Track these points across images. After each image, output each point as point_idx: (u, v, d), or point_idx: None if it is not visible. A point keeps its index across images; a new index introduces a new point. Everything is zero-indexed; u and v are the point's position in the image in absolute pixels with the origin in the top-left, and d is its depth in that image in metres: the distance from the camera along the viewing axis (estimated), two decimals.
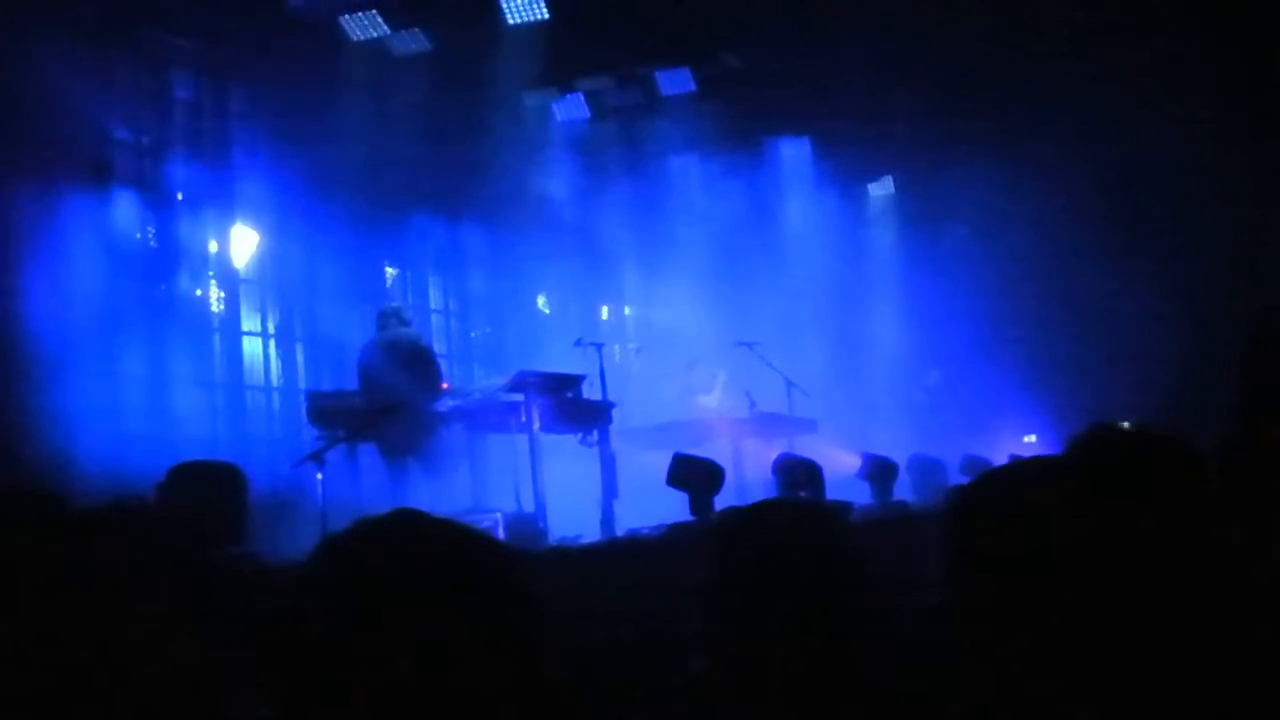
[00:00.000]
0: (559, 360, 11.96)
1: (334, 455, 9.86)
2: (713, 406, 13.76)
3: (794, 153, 17.49)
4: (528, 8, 14.16)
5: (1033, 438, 14.95)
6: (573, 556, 7.93)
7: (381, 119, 13.68)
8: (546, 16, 14.16)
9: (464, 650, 1.60)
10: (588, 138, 16.26)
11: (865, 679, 2.52)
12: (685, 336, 14.79)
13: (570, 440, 11.19)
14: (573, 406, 11.12)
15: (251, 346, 13.99)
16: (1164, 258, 14.83)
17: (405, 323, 11.45)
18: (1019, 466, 2.23)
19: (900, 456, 10.12)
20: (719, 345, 13.99)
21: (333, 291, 13.61)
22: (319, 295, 13.81)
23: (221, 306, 13.71)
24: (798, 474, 8.81)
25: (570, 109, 16.39)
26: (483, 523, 9.16)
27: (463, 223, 15.89)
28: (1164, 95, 13.76)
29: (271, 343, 14.20)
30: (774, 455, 9.75)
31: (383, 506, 1.82)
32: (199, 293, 13.44)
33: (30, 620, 2.39)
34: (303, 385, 13.84)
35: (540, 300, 17.95)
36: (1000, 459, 9.24)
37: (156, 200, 12.80)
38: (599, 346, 11.98)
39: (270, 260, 14.03)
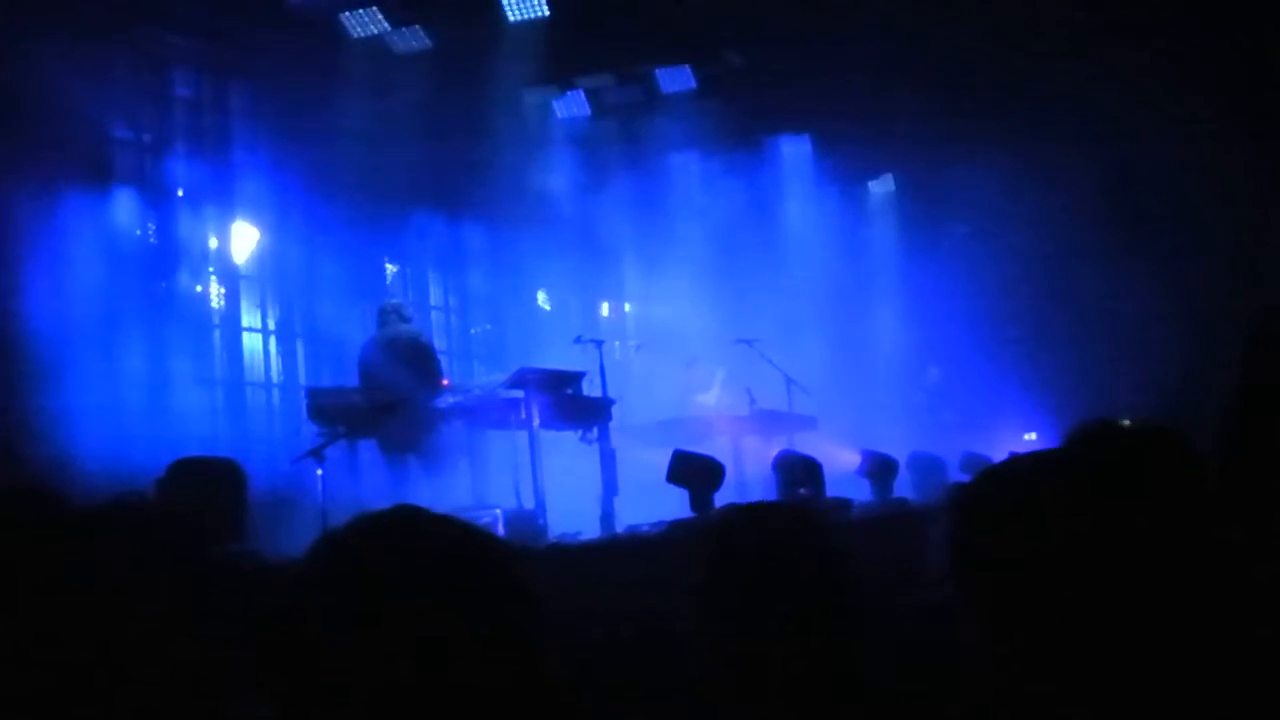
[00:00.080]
0: (559, 357, 11.96)
1: (334, 452, 9.87)
2: (713, 404, 13.77)
3: (794, 150, 17.49)
4: (528, 5, 14.17)
5: (1033, 435, 14.93)
6: (572, 553, 7.93)
7: (382, 116, 13.67)
8: (547, 13, 14.17)
9: (463, 647, 1.60)
10: (588, 135, 16.26)
11: (865, 679, 2.53)
12: (685, 333, 14.80)
13: (570, 437, 11.19)
14: (573, 403, 11.12)
15: (252, 343, 14.00)
16: (1164, 257, 14.82)
17: (405, 319, 11.44)
18: (1019, 463, 2.23)
19: (900, 454, 10.12)
20: (719, 342, 13.99)
21: (333, 288, 13.61)
22: (319, 292, 13.80)
23: (222, 303, 13.72)
24: (797, 471, 8.81)
25: (571, 106, 16.40)
26: (482, 519, 9.16)
27: (463, 220, 15.89)
28: (1164, 95, 13.75)
29: (272, 339, 14.21)
30: (774, 452, 9.75)
31: (383, 503, 1.82)
32: (199, 289, 13.45)
33: (30, 620, 2.39)
34: (303, 382, 13.86)
35: (540, 297, 17.94)
36: (1000, 456, 9.25)
37: (157, 197, 12.81)
38: (599, 343, 11.98)
39: (270, 257, 14.03)
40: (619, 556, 7.76)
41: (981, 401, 15.42)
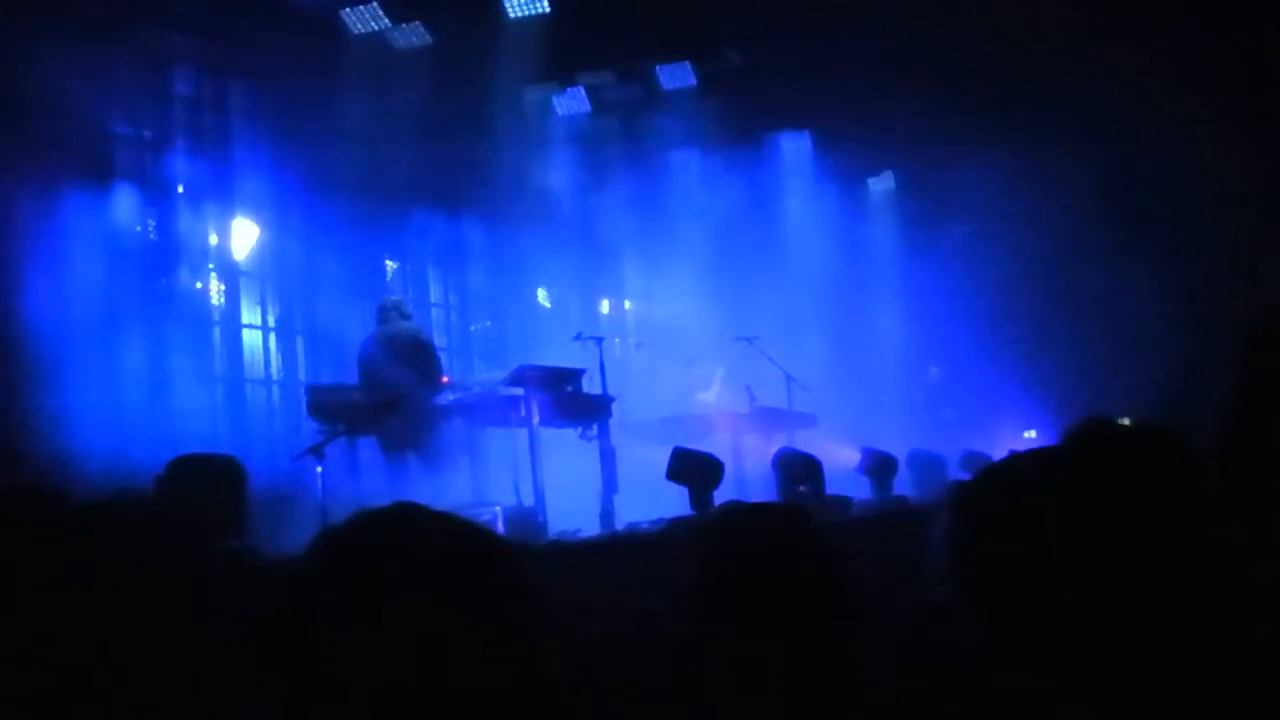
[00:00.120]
0: (559, 354, 11.94)
1: (334, 449, 9.86)
2: (712, 401, 13.76)
3: (794, 148, 17.51)
4: (529, 1, 14.17)
5: (1032, 433, 14.94)
6: (572, 551, 7.93)
7: (382, 113, 13.68)
8: (547, 10, 14.21)
9: (462, 645, 1.60)
10: (588, 132, 16.28)
11: (864, 678, 2.53)
12: (685, 331, 14.80)
13: (570, 434, 11.17)
14: (572, 401, 11.11)
15: (252, 340, 14.00)
16: (1164, 257, 14.83)
17: (405, 316, 11.43)
18: (1020, 462, 2.22)
19: (900, 452, 10.13)
20: (719, 340, 13.99)
21: (333, 285, 13.60)
22: (319, 289, 13.80)
23: (222, 300, 13.71)
24: (797, 469, 8.84)
25: (571, 103, 16.42)
26: (482, 517, 9.14)
27: (463, 217, 15.87)
28: (1164, 95, 13.75)
29: (272, 336, 14.21)
30: (774, 450, 9.77)
31: (382, 500, 1.82)
32: (199, 286, 13.45)
33: (30, 619, 2.39)
34: (303, 379, 13.86)
35: (540, 294, 17.93)
36: (1000, 455, 9.26)
37: (157, 194, 12.81)
38: (599, 341, 11.97)
39: (270, 254, 14.03)
40: (618, 554, 7.77)
41: (981, 399, 15.43)
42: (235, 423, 13.20)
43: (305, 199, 13.31)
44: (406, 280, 16.13)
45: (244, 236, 13.79)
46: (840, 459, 10.37)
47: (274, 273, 14.17)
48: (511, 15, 14.27)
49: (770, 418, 13.00)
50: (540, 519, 10.06)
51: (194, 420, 12.03)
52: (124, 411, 11.24)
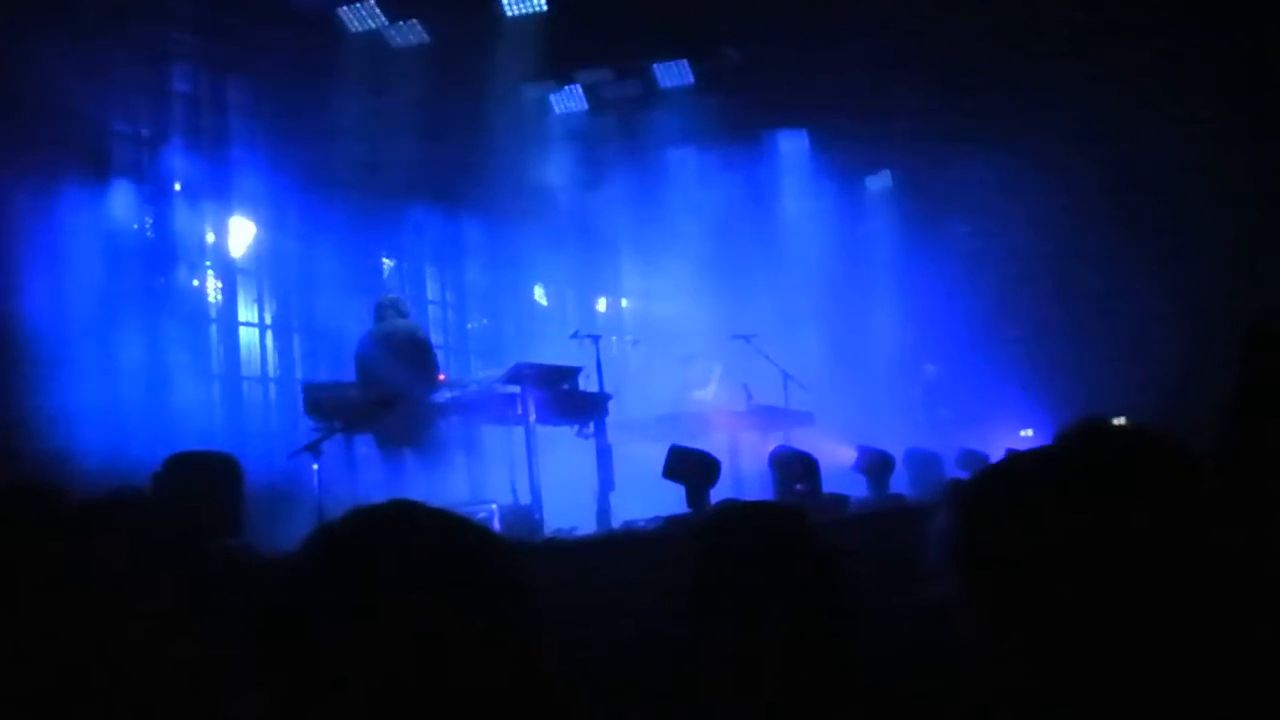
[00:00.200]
0: (556, 352, 11.95)
1: (330, 446, 9.86)
2: (709, 399, 13.76)
3: (792, 146, 17.52)
4: None
5: (1029, 432, 14.94)
6: (568, 549, 7.94)
7: (379, 111, 13.68)
8: (545, 8, 14.21)
9: (458, 643, 1.60)
10: (586, 130, 16.27)
11: (861, 677, 2.53)
12: (682, 329, 14.81)
13: (567, 432, 11.17)
14: (569, 398, 11.11)
15: (248, 337, 13.99)
16: (1163, 257, 14.84)
17: (403, 314, 11.43)
18: (1020, 461, 2.22)
19: (897, 450, 10.15)
20: (716, 338, 13.99)
21: (330, 283, 13.59)
22: (316, 286, 13.79)
23: (219, 298, 13.70)
24: (794, 467, 8.85)
25: (568, 101, 16.41)
26: (478, 514, 9.14)
27: (460, 214, 15.87)
28: (1164, 95, 13.76)
29: (268, 334, 14.20)
30: (771, 448, 9.79)
31: (379, 498, 1.82)
32: (196, 284, 13.44)
33: (28, 617, 2.39)
34: (299, 376, 13.84)
35: (537, 292, 17.94)
36: (997, 453, 9.26)
37: (154, 192, 12.80)
38: (596, 339, 11.96)
39: (267, 251, 14.03)
40: (615, 552, 7.77)
41: (978, 398, 15.43)
42: (232, 420, 13.20)
43: (302, 197, 13.31)
44: (403, 278, 16.12)
45: (241, 234, 13.78)
46: (837, 457, 10.38)
47: (271, 270, 14.17)
48: (509, 13, 14.28)
49: (767, 416, 13.00)
50: (537, 517, 10.05)
51: (191, 418, 12.03)
52: (121, 409, 11.23)
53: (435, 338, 13.77)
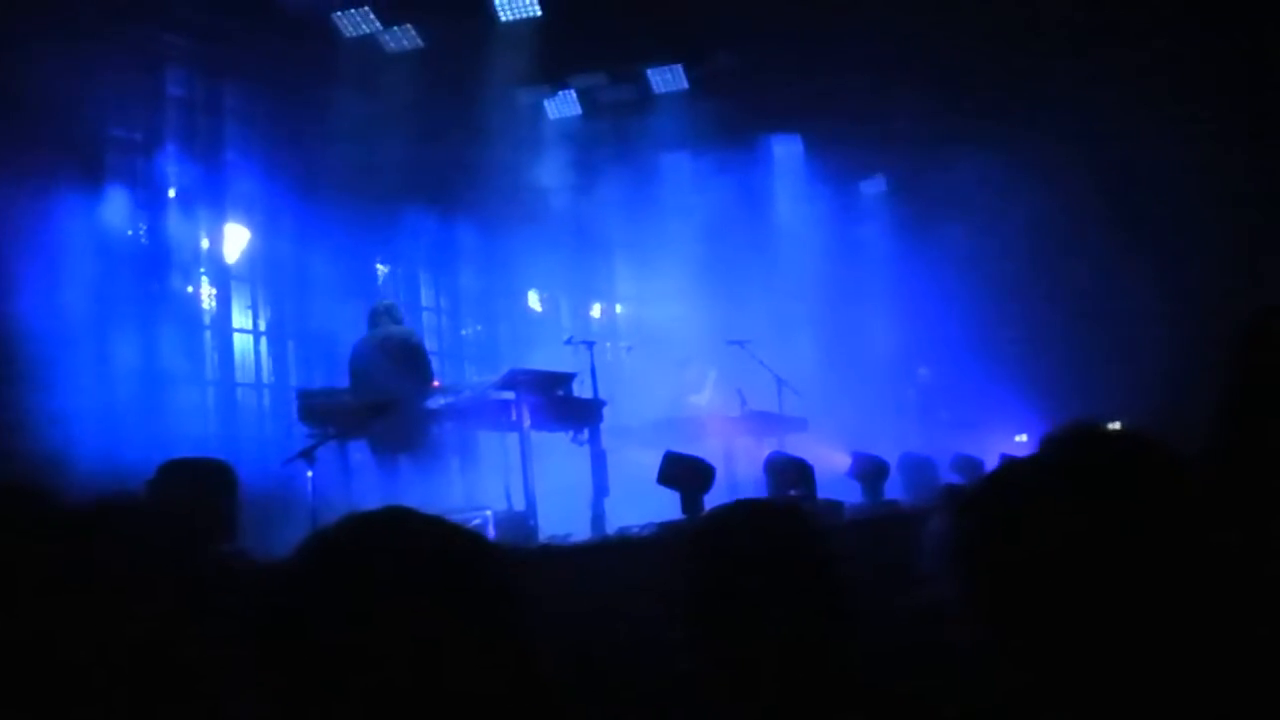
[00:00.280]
0: (550, 358, 11.95)
1: (325, 453, 9.85)
2: (704, 405, 13.76)
3: (786, 151, 17.53)
4: (520, 4, 14.19)
5: (1024, 437, 14.93)
6: (563, 555, 7.93)
7: (373, 116, 13.66)
8: (539, 13, 14.20)
9: (452, 649, 1.60)
10: (580, 135, 16.27)
11: (860, 680, 2.52)
12: (676, 334, 14.79)
13: (561, 438, 11.16)
14: (564, 404, 11.10)
15: (243, 344, 13.99)
16: (1161, 258, 14.83)
17: (397, 320, 11.43)
18: (1021, 467, 2.22)
19: (891, 455, 10.13)
20: (710, 343, 13.98)
21: (324, 289, 13.60)
22: (310, 292, 13.80)
23: (213, 303, 13.70)
24: (788, 473, 8.84)
25: (562, 106, 16.42)
26: (473, 521, 9.15)
27: (454, 220, 15.88)
28: (1164, 95, 13.75)
29: (263, 340, 14.20)
30: (765, 454, 9.77)
31: (373, 504, 1.82)
32: (190, 290, 13.43)
33: (21, 620, 2.38)
34: (294, 382, 13.81)
35: (532, 298, 17.94)
36: (991, 458, 9.27)
37: (148, 197, 12.80)
38: (590, 344, 11.96)
39: (262, 257, 14.04)
40: (609, 558, 7.76)
41: (973, 402, 15.43)
42: (226, 426, 13.21)
43: (297, 202, 13.32)
44: (398, 284, 16.14)
45: (235, 240, 13.78)
46: (831, 463, 10.36)
47: (265, 276, 14.18)
48: (502, 18, 14.27)
49: (761, 421, 12.99)
50: (531, 523, 10.04)
51: (185, 423, 12.04)
52: (115, 414, 11.23)
53: (430, 344, 13.77)
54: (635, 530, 8.73)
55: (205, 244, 13.57)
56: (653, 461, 8.75)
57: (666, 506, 8.56)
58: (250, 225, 13.77)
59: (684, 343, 14.50)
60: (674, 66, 15.95)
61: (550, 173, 15.91)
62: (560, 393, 11.13)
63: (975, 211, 16.26)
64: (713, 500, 8.10)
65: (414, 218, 15.18)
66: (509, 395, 10.61)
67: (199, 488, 5.36)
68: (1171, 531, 1.96)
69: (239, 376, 13.82)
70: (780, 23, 14.05)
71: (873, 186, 18.47)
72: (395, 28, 14.25)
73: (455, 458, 10.96)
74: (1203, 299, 13.97)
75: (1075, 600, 1.89)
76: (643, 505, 9.30)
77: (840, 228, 17.17)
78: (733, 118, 15.93)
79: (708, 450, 10.01)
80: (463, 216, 15.87)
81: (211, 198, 13.32)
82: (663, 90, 16.12)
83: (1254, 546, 2.27)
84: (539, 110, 16.28)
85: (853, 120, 15.62)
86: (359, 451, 10.75)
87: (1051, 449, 2.21)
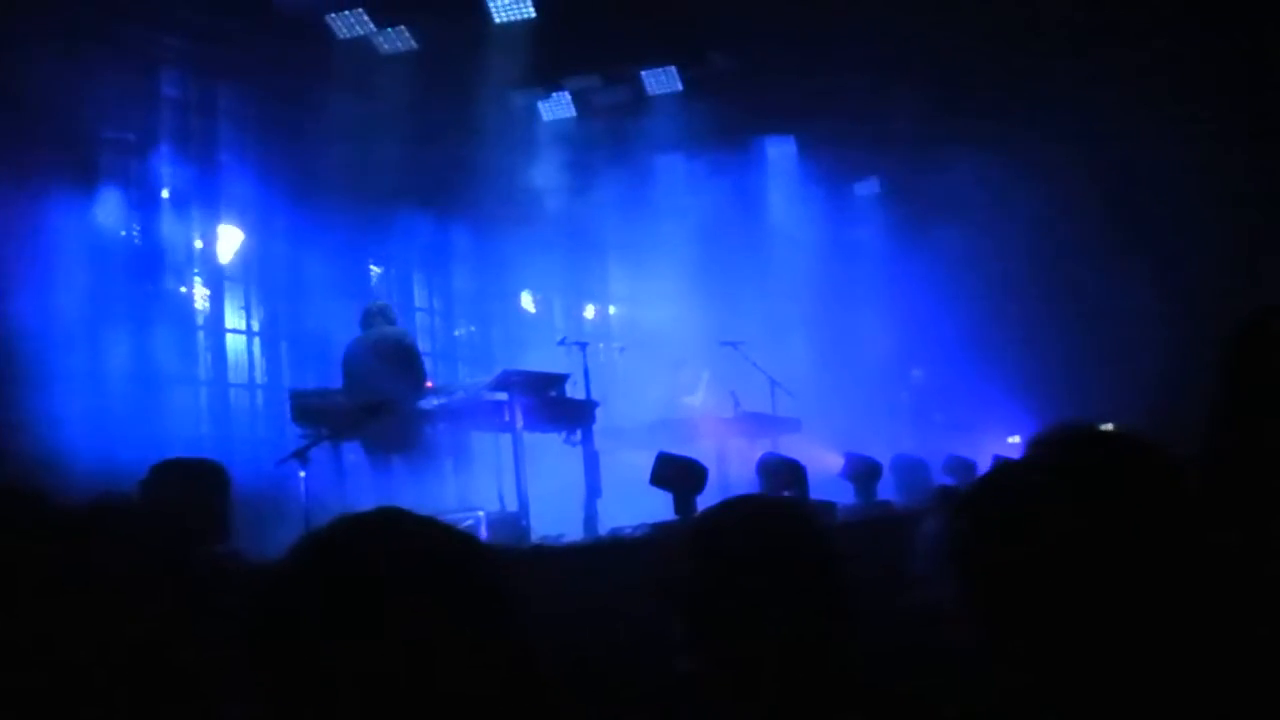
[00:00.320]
0: (543, 359, 11.95)
1: (318, 453, 9.82)
2: (697, 406, 13.76)
3: (780, 152, 17.52)
4: (514, 6, 14.18)
5: (1017, 438, 14.94)
6: (555, 555, 7.93)
7: (367, 117, 13.67)
8: (533, 15, 14.19)
9: (443, 650, 1.60)
10: (574, 136, 16.26)
11: (860, 680, 2.52)
12: (670, 336, 14.78)
13: (554, 439, 11.18)
14: (557, 405, 11.12)
15: (236, 344, 13.98)
16: (1159, 259, 14.83)
17: (390, 321, 11.41)
18: (1010, 470, 2.23)
19: (884, 456, 10.13)
20: (703, 344, 13.99)
21: (317, 290, 13.58)
22: (304, 293, 13.79)
23: (206, 304, 13.69)
24: (781, 474, 8.83)
25: (556, 108, 16.41)
26: (465, 521, 9.16)
27: (448, 221, 15.88)
28: (1163, 95, 13.75)
29: (256, 341, 14.20)
30: (758, 455, 9.76)
31: (366, 505, 1.82)
32: (184, 290, 13.43)
33: (22, 621, 2.39)
34: (287, 383, 13.79)
35: (525, 299, 17.94)
36: (985, 460, 9.28)
37: (142, 198, 12.80)
38: (583, 346, 11.98)
39: (255, 258, 14.03)
40: (602, 558, 7.76)
41: (966, 403, 15.44)
42: (219, 427, 13.20)
43: (290, 204, 13.31)
44: (391, 285, 16.13)
45: (229, 241, 13.77)
46: (824, 464, 10.37)
47: (258, 277, 14.18)
48: (497, 20, 14.27)
49: (755, 423, 13.01)
50: (524, 524, 10.05)
51: (178, 424, 12.04)
52: (109, 415, 11.23)
53: (423, 344, 13.76)
54: (628, 531, 8.74)
55: (199, 244, 13.57)
56: (645, 462, 8.76)
57: (659, 507, 8.57)
58: (244, 226, 13.76)
59: (677, 344, 14.50)
60: (668, 68, 15.96)
61: (544, 174, 15.90)
62: (553, 394, 11.14)
63: (970, 213, 16.24)
64: (705, 501, 8.10)
65: (407, 219, 15.17)
66: (502, 396, 10.62)
67: (192, 488, 5.35)
68: (1165, 531, 1.97)
69: (232, 377, 13.82)
70: (774, 24, 14.05)
71: (867, 188, 18.46)
72: (389, 29, 14.25)
73: (448, 459, 10.95)
74: (1200, 299, 13.96)
75: (1070, 601, 1.90)
76: (635, 506, 9.31)
77: (834, 229, 17.16)
78: (727, 119, 15.93)
79: (701, 451, 10.02)
80: (456, 218, 15.87)
81: (205, 198, 13.32)
82: (657, 92, 16.12)
83: (1250, 547, 2.28)
84: (533, 112, 16.28)
85: (847, 121, 15.62)
86: (352, 452, 10.74)
87: (1041, 450, 2.22)
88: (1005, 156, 14.96)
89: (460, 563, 1.70)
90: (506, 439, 10.67)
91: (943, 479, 9.60)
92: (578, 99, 16.37)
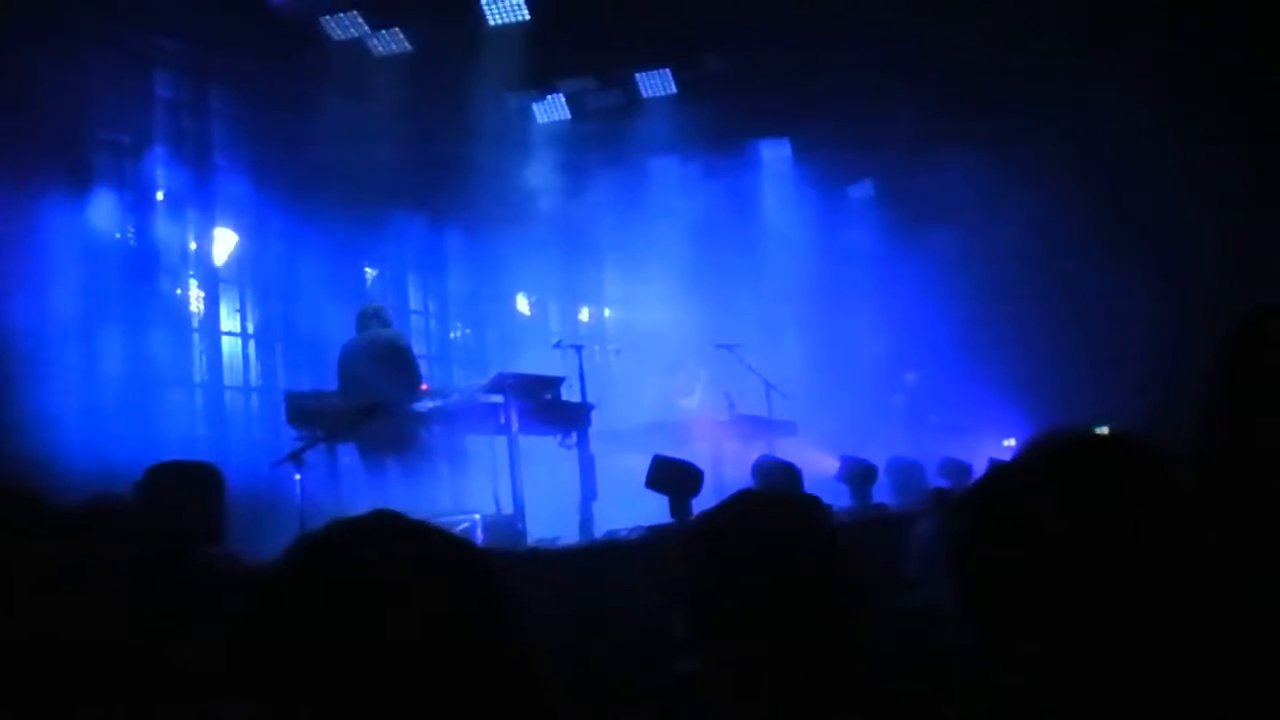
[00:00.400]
0: (538, 362, 11.95)
1: (313, 456, 9.83)
2: (692, 409, 13.76)
3: (774, 155, 17.53)
4: (508, 9, 14.18)
5: (1012, 441, 14.94)
6: (550, 558, 7.93)
7: (362, 119, 13.67)
8: (527, 18, 14.19)
9: (438, 652, 1.60)
10: (568, 139, 16.27)
11: (859, 679, 2.52)
12: (665, 338, 14.79)
13: (549, 442, 11.17)
14: (552, 408, 11.11)
15: (231, 346, 13.97)
16: (1152, 260, 14.81)
17: (385, 323, 11.40)
18: (1006, 471, 2.23)
19: (879, 459, 10.13)
20: (699, 347, 13.99)
21: (312, 291, 13.57)
22: (298, 295, 13.78)
23: (201, 306, 13.68)
24: (776, 476, 8.83)
25: (551, 110, 16.42)
26: (461, 524, 9.17)
27: (443, 223, 15.89)
28: (1156, 97, 13.74)
29: (251, 343, 14.19)
30: (753, 457, 9.77)
31: (361, 507, 1.82)
32: (179, 292, 13.41)
33: (19, 621, 2.39)
34: (282, 385, 13.78)
35: (520, 301, 17.94)
36: (979, 462, 9.28)
37: (137, 200, 12.79)
38: (578, 348, 11.97)
39: (250, 260, 14.03)
40: (597, 561, 7.76)
41: (961, 406, 15.44)
42: (214, 429, 13.19)
43: (285, 206, 13.32)
44: (386, 287, 16.12)
45: (223, 243, 13.76)
46: (819, 466, 10.38)
47: (253, 279, 14.17)
48: (491, 22, 14.27)
49: (750, 425, 13.00)
50: (519, 526, 10.05)
51: (173, 426, 12.03)
52: (104, 416, 11.23)
53: (418, 347, 13.80)
54: (623, 533, 8.75)
55: (193, 246, 13.55)
56: (641, 465, 8.77)
57: (655, 510, 8.57)
58: (238, 228, 13.75)
59: (672, 347, 14.50)
60: (662, 71, 15.96)
61: (539, 177, 15.91)
62: (548, 396, 11.14)
63: (964, 215, 16.24)
64: (701, 504, 8.11)
65: (402, 221, 15.17)
66: (497, 399, 10.62)
67: (186, 490, 5.34)
68: (1161, 532, 1.97)
69: (227, 379, 13.81)
70: (768, 27, 14.05)
71: (861, 191, 18.46)
72: (384, 31, 14.26)
73: (444, 461, 10.94)
74: (1194, 301, 13.94)
75: (1067, 602, 1.90)
76: (631, 509, 9.32)
77: (828, 232, 17.16)
78: (721, 122, 15.94)
79: (696, 454, 10.04)
80: (451, 220, 15.88)
81: (200, 200, 13.31)
82: (651, 94, 16.12)
83: (1246, 548, 2.28)
84: (528, 114, 16.28)
85: (841, 124, 15.62)
86: (347, 454, 10.74)
87: (1036, 453, 2.22)
88: (998, 159, 14.97)
89: (455, 565, 1.69)
90: (502, 441, 10.66)
91: (938, 481, 9.61)
92: (572, 101, 16.38)
